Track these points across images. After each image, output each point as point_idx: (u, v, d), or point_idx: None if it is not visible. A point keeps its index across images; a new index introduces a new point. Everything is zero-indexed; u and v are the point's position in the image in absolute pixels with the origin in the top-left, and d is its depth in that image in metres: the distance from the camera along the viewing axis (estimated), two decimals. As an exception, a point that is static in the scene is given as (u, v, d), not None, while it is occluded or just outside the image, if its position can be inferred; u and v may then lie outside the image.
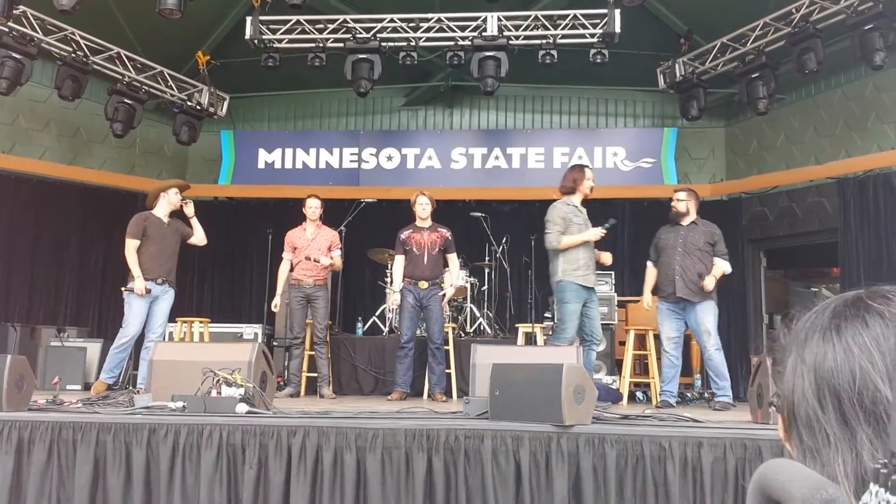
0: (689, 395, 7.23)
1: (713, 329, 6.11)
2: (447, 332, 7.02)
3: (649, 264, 6.48)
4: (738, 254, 9.27)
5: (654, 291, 6.42)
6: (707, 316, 6.11)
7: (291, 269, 6.97)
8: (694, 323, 6.15)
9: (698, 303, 6.11)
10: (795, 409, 0.74)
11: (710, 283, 6.05)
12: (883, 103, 8.04)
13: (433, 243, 6.79)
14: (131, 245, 6.33)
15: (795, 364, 0.75)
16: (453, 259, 6.93)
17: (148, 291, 6.24)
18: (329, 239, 7.01)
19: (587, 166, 6.60)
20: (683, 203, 6.36)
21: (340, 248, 7.14)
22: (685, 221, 6.34)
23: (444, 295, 6.84)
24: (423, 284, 6.72)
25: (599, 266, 6.30)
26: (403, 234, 6.86)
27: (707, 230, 6.29)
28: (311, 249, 6.86)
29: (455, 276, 7.01)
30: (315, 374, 7.03)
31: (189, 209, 6.62)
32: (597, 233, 6.06)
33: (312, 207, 6.97)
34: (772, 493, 0.65)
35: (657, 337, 6.64)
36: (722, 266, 6.20)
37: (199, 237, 6.70)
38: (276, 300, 6.95)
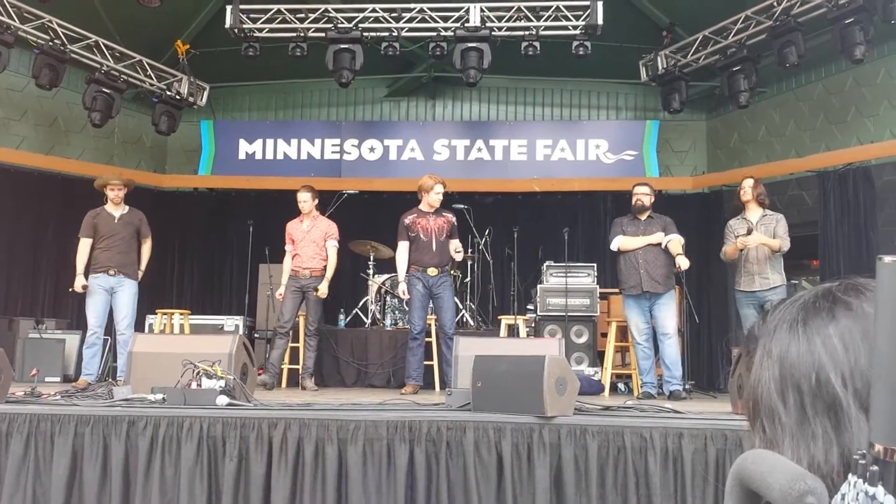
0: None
1: (674, 322, 6.23)
2: (429, 325, 6.87)
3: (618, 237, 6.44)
4: (719, 246, 9.29)
5: (618, 285, 6.51)
6: (670, 307, 6.24)
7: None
8: (657, 313, 6.22)
9: (663, 293, 6.21)
10: (760, 400, 0.74)
11: (683, 263, 6.11)
12: (863, 97, 8.10)
13: (440, 228, 6.53)
14: (81, 244, 6.53)
15: (762, 355, 0.76)
16: (455, 244, 6.57)
17: (84, 288, 6.38)
18: (324, 230, 6.91)
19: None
20: (649, 197, 6.45)
21: (336, 239, 6.97)
22: (644, 216, 6.43)
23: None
24: (433, 271, 6.46)
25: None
26: (407, 220, 6.58)
27: (661, 222, 6.40)
28: (307, 242, 6.81)
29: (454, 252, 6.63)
30: (296, 366, 6.99)
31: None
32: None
33: (300, 202, 6.88)
34: (750, 484, 0.64)
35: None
36: (676, 238, 6.26)
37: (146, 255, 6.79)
38: (281, 289, 6.87)
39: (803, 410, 0.70)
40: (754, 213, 6.30)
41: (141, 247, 6.71)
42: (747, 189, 6.32)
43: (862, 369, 0.67)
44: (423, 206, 6.61)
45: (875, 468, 0.55)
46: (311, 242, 6.83)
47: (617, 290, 8.03)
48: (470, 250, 8.51)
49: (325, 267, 6.84)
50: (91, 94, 8.34)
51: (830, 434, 0.68)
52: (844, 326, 0.70)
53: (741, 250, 6.16)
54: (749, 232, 6.14)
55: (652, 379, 6.24)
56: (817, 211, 8.29)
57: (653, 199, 6.48)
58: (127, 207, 6.71)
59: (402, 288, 6.65)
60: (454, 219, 6.67)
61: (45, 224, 9.01)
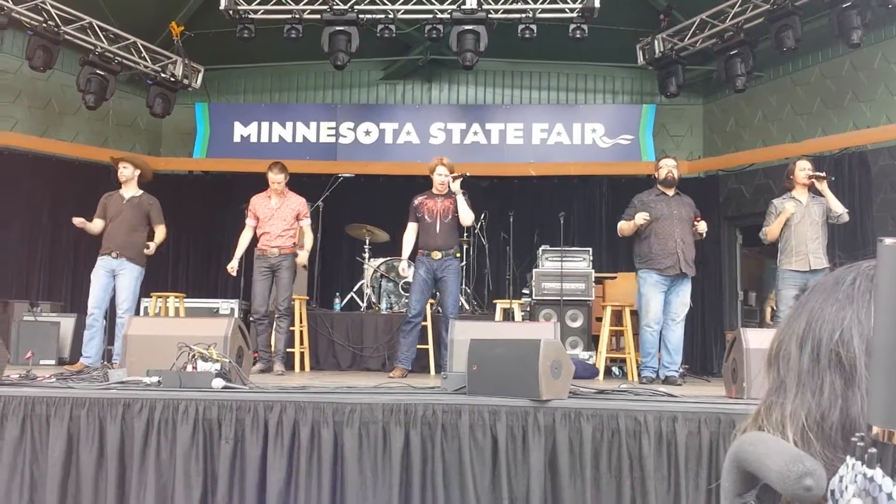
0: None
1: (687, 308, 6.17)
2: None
3: (623, 221, 6.31)
4: (715, 231, 9.32)
5: (641, 261, 6.23)
6: (688, 290, 6.17)
7: (256, 239, 6.68)
8: (677, 298, 6.12)
9: (688, 277, 6.13)
10: (781, 345, 0.76)
11: (702, 226, 6.16)
12: (860, 81, 8.09)
13: (446, 210, 6.35)
14: (93, 224, 6.47)
15: (797, 307, 0.77)
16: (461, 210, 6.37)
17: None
18: (295, 208, 6.68)
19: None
20: (678, 170, 6.31)
21: (309, 217, 6.81)
22: (671, 191, 6.27)
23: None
24: (437, 255, 6.29)
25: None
26: (416, 201, 6.47)
27: (688, 202, 6.30)
28: (276, 220, 6.59)
29: (464, 214, 6.40)
30: (291, 350, 6.99)
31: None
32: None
33: (275, 183, 6.65)
34: (748, 466, 0.64)
35: (634, 313, 6.66)
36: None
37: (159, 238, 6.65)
38: (234, 263, 6.62)
39: (817, 360, 0.71)
40: (803, 195, 6.17)
41: (154, 233, 6.61)
42: (808, 171, 6.15)
43: None
44: (433, 188, 6.50)
45: (873, 450, 0.55)
46: (281, 220, 6.59)
47: (612, 275, 8.04)
48: (465, 234, 8.50)
49: (295, 244, 6.68)
50: (85, 76, 8.29)
51: (837, 390, 0.69)
52: None
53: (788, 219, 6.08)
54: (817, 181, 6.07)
55: (656, 363, 6.21)
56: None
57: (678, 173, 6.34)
58: (141, 191, 6.62)
59: (403, 265, 6.58)
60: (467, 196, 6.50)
61: (40, 206, 8.98)
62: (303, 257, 6.72)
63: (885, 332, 0.57)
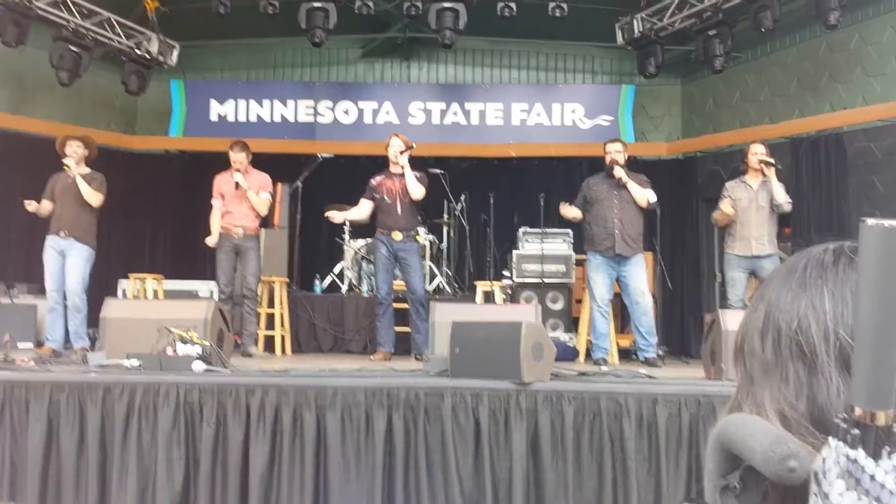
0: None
1: (646, 286, 6.22)
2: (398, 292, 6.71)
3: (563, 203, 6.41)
4: (693, 213, 9.40)
5: (586, 244, 6.38)
6: (640, 272, 6.19)
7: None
8: (629, 279, 6.15)
9: (631, 256, 6.15)
10: (744, 337, 0.76)
11: (651, 196, 6.19)
12: (836, 62, 8.14)
13: (405, 189, 6.26)
14: (42, 206, 6.35)
15: (756, 297, 0.78)
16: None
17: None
18: (258, 183, 6.61)
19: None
20: (621, 155, 6.34)
21: (270, 192, 6.71)
22: (618, 174, 6.30)
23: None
24: (398, 235, 6.26)
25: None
26: (375, 181, 6.41)
27: (636, 180, 6.31)
28: (239, 197, 6.51)
29: (411, 186, 6.29)
30: (272, 332, 6.97)
31: (68, 171, 6.35)
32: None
33: (236, 163, 6.54)
34: (732, 448, 0.65)
35: (617, 295, 6.67)
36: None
37: (85, 197, 6.35)
38: (213, 237, 6.56)
39: (778, 351, 0.71)
40: (755, 179, 6.30)
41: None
42: (760, 155, 6.28)
43: (849, 324, 0.68)
44: (390, 167, 6.43)
45: (856, 431, 0.55)
46: (244, 199, 6.53)
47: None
48: (446, 216, 8.49)
49: (259, 226, 6.66)
50: (58, 53, 8.12)
51: (802, 379, 0.69)
52: (841, 281, 0.71)
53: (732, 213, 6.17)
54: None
55: (608, 345, 6.26)
56: (790, 178, 8.34)
57: (625, 157, 6.38)
58: (88, 169, 6.51)
59: (332, 213, 6.57)
60: (422, 174, 6.44)
61: (13, 186, 8.80)
62: (242, 183, 6.50)
63: (867, 313, 0.57)
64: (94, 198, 6.37)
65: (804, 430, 0.67)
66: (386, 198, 6.33)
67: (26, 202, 6.30)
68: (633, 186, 6.18)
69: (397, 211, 6.30)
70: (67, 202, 6.33)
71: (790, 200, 6.28)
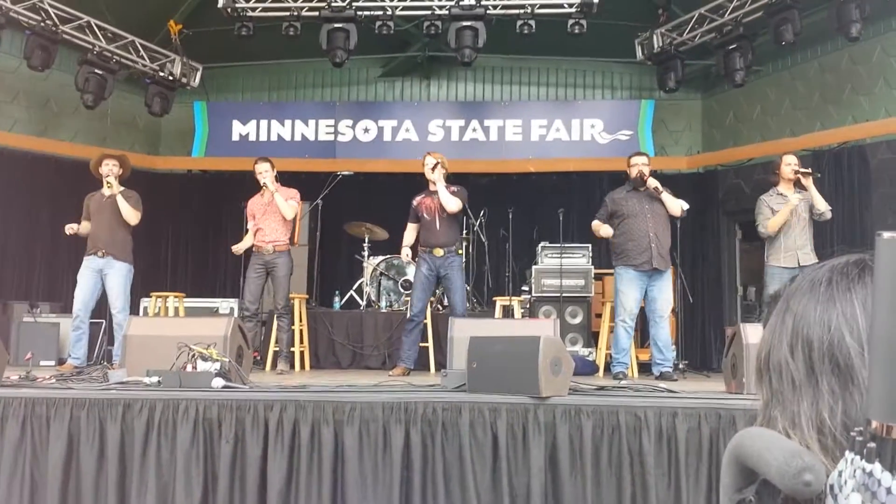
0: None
1: (671, 304, 6.15)
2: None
3: (597, 222, 6.35)
4: (714, 226, 9.34)
5: (617, 258, 6.26)
6: (669, 286, 6.15)
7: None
8: (658, 293, 6.09)
9: (664, 271, 6.10)
10: (770, 353, 0.75)
11: (684, 204, 6.16)
12: (858, 75, 8.07)
13: (443, 206, 6.29)
14: (83, 226, 6.43)
15: (781, 309, 0.76)
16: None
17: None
18: (286, 194, 6.67)
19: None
20: (648, 167, 6.29)
21: (297, 202, 6.76)
22: (643, 187, 6.25)
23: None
24: (439, 252, 6.27)
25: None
26: (416, 201, 6.47)
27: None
28: (269, 215, 6.61)
29: (445, 200, 6.29)
30: (290, 348, 6.98)
31: (106, 189, 6.43)
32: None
33: (260, 174, 6.62)
34: (747, 461, 0.64)
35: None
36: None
37: (124, 215, 6.43)
38: (241, 245, 6.69)
39: (811, 367, 0.70)
40: (789, 190, 6.17)
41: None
42: (794, 165, 6.16)
43: None
44: (430, 185, 6.48)
45: (872, 445, 0.55)
46: (273, 214, 6.60)
47: (611, 271, 8.00)
48: (465, 231, 8.48)
49: (290, 241, 6.72)
50: (83, 76, 8.28)
51: (837, 394, 0.68)
52: (869, 293, 0.70)
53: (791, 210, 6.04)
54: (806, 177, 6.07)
55: (629, 360, 6.19)
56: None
57: (649, 170, 6.32)
58: (122, 188, 6.58)
59: (404, 252, 6.58)
60: (460, 188, 6.48)
61: (39, 207, 8.97)
62: (269, 186, 6.58)
63: (883, 325, 0.56)
64: (133, 216, 6.46)
65: (841, 444, 0.66)
66: (426, 215, 6.38)
67: (67, 228, 6.38)
68: (666, 196, 6.14)
69: (436, 227, 6.34)
70: (103, 221, 6.40)
71: (830, 207, 6.13)
